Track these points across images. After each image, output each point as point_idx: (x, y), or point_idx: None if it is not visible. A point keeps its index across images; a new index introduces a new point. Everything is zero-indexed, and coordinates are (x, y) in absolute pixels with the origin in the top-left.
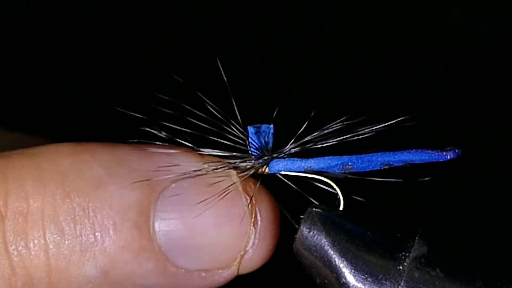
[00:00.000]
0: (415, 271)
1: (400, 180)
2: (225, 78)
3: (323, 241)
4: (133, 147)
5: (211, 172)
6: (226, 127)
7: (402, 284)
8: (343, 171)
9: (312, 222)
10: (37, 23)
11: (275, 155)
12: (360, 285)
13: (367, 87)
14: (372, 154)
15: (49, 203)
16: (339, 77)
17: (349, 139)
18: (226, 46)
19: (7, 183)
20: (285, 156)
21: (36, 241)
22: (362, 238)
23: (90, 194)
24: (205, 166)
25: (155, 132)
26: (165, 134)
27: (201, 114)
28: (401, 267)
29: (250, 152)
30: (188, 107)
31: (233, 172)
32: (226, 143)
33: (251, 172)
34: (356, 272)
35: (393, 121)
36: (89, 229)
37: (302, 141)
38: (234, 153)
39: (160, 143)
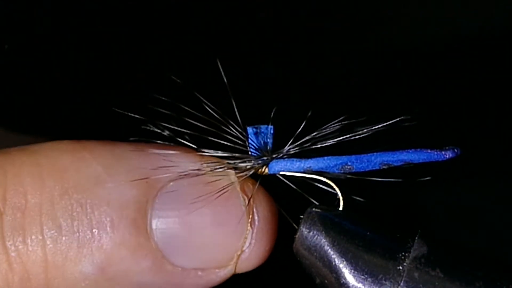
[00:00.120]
0: (415, 271)
1: (400, 180)
2: (224, 79)
3: (322, 241)
4: (132, 146)
5: (210, 172)
6: (225, 128)
7: (402, 284)
8: (342, 171)
9: (312, 222)
10: (37, 23)
11: (274, 155)
12: (360, 285)
13: (366, 87)
14: (371, 154)
15: (47, 199)
16: (338, 77)
17: (348, 139)
18: (225, 47)
19: (6, 179)
20: (285, 156)
21: (33, 237)
22: (362, 238)
23: (88, 191)
24: (204, 165)
25: (157, 130)
26: (167, 132)
27: (201, 115)
28: (401, 267)
29: (249, 152)
30: (187, 108)
31: (232, 172)
32: (226, 144)
33: (251, 173)
34: (356, 272)
35: (392, 121)
36: (86, 225)
37: (302, 141)
38: (234, 154)
39: (160, 142)
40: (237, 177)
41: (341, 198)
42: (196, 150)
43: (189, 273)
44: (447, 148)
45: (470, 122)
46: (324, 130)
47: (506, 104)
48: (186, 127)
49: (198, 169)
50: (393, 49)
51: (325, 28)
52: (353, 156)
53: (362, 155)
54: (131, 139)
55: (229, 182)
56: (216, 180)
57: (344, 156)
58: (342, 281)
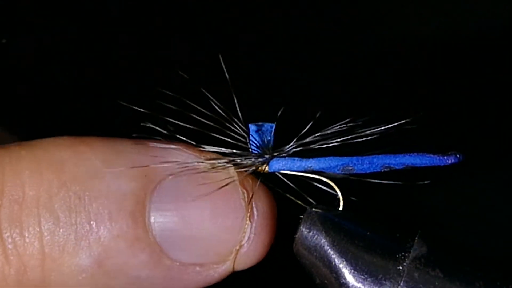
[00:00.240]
0: (415, 271)
1: (400, 182)
2: (227, 76)
3: (322, 241)
4: (132, 141)
5: (210, 167)
6: (227, 124)
7: (401, 284)
8: (343, 172)
9: (311, 222)
10: (37, 23)
11: (275, 153)
12: (359, 285)
13: (369, 88)
14: (373, 156)
15: (45, 191)
16: (342, 78)
17: (351, 140)
18: (229, 44)
19: (4, 172)
20: (286, 155)
21: (30, 229)
22: (361, 238)
23: (87, 183)
24: (205, 161)
25: (158, 128)
26: (169, 128)
27: (203, 110)
28: (400, 267)
29: (250, 150)
30: (190, 103)
31: (232, 168)
32: (227, 140)
33: (251, 170)
34: (356, 272)
35: (395, 124)
36: (84, 217)
37: (303, 141)
38: (235, 151)
39: (160, 138)
40: (237, 173)
41: (341, 198)
42: (197, 146)
43: (187, 268)
44: (449, 153)
45: (470, 122)
46: (327, 131)
47: (506, 104)
48: (188, 123)
49: (198, 165)
50: (395, 50)
51: (329, 28)
52: (354, 157)
53: (364, 157)
54: (134, 135)
55: (229, 177)
56: (216, 175)
57: (345, 157)
58: (342, 281)
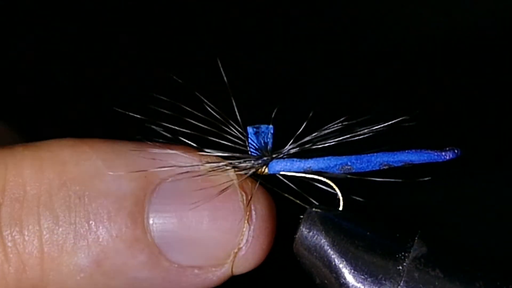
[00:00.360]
0: (415, 271)
1: (400, 180)
2: (225, 79)
3: (322, 241)
4: (133, 143)
5: (209, 170)
6: (225, 128)
7: (401, 284)
8: (342, 172)
9: (311, 222)
10: (37, 23)
11: (274, 155)
12: (359, 285)
13: (366, 87)
14: (372, 155)
15: (45, 190)
16: (338, 77)
17: (349, 139)
18: (226, 47)
19: (6, 171)
20: (285, 156)
21: (30, 227)
22: (361, 238)
23: (87, 183)
24: (204, 164)
25: (158, 130)
26: (169, 131)
27: (201, 114)
28: (400, 267)
29: (249, 152)
30: (187, 108)
31: (231, 170)
32: (226, 144)
33: (251, 172)
34: (356, 272)
35: (393, 121)
36: (83, 217)
37: (302, 141)
38: (234, 154)
39: (161, 141)
40: (237, 176)
41: (341, 198)
42: (196, 149)
43: (186, 271)
44: (447, 149)
45: (470, 122)
46: (324, 130)
47: (506, 104)
48: (187, 126)
49: (197, 167)
50: (393, 49)
51: (325, 28)
52: (353, 156)
53: (362, 155)
54: (137, 137)
55: (228, 178)
56: (215, 178)
57: (344, 157)
58: (342, 281)
